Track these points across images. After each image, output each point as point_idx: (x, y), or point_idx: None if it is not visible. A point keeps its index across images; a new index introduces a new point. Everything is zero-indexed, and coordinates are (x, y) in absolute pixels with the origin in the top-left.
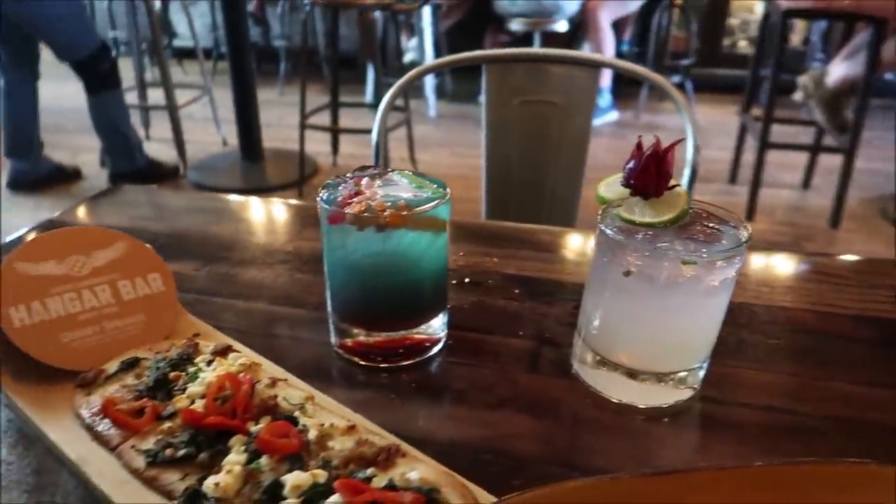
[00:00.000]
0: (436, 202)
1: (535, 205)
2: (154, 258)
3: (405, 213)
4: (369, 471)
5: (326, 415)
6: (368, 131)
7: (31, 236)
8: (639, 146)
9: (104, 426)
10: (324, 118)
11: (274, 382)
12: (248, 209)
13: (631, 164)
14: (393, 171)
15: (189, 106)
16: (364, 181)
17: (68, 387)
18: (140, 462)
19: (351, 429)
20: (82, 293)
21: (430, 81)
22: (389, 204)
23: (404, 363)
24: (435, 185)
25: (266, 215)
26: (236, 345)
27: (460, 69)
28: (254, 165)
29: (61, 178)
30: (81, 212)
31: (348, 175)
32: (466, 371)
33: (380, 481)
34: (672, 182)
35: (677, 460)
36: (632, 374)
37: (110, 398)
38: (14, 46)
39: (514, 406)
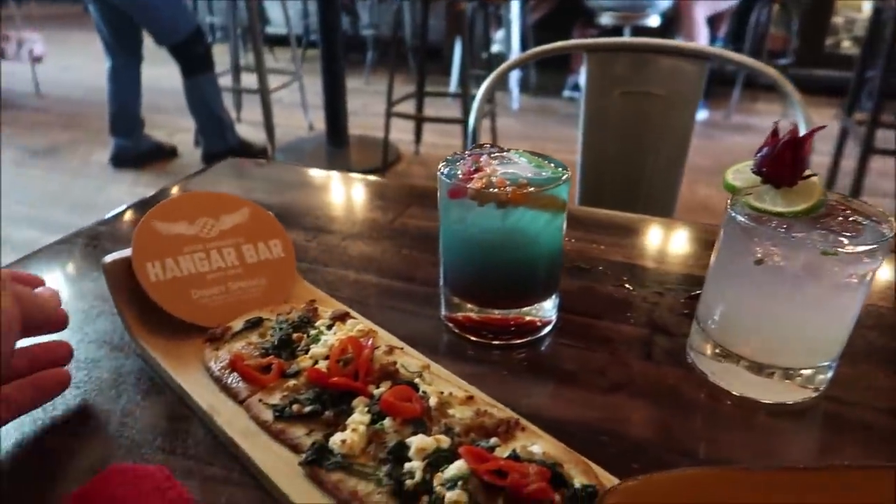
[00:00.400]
0: (556, 182)
1: (630, 198)
2: (275, 225)
3: (527, 190)
4: (492, 440)
5: (443, 384)
6: (452, 120)
7: (128, 213)
8: (774, 132)
9: (233, 379)
10: (408, 107)
11: (391, 350)
12: (353, 186)
13: (764, 151)
14: (510, 150)
15: (279, 91)
16: (483, 158)
17: (197, 342)
18: (268, 415)
19: (469, 399)
20: (210, 254)
21: (514, 74)
22: (510, 181)
23: (515, 342)
24: (554, 166)
25: (371, 192)
26: (352, 312)
27: (546, 63)
28: (339, 151)
29: (159, 155)
30: (197, 182)
31: (467, 152)
32: (577, 353)
33: (502, 452)
34: (807, 172)
35: (801, 459)
36: (755, 367)
37: (238, 354)
38: (120, 32)
39: (629, 391)
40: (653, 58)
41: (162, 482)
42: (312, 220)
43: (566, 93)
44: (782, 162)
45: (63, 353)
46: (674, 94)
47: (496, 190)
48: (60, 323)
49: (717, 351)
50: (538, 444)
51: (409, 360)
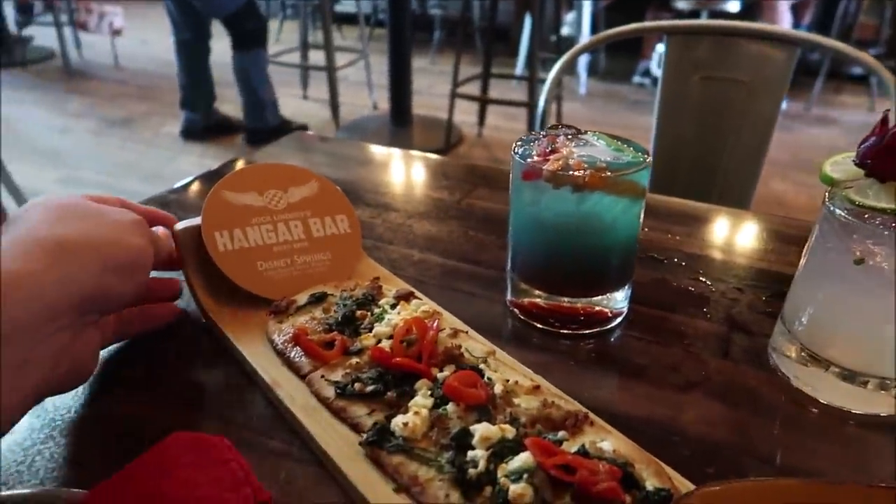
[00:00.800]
0: (637, 167)
1: (704, 189)
2: (343, 200)
3: (605, 175)
4: (559, 434)
5: (509, 371)
6: (518, 103)
7: (196, 183)
8: (884, 121)
9: (295, 354)
10: (473, 88)
11: (456, 333)
12: (419, 164)
13: (871, 142)
14: (588, 132)
15: (345, 69)
16: (559, 139)
17: (261, 313)
18: (329, 392)
19: (536, 389)
20: (277, 226)
21: (583, 57)
22: (587, 164)
23: (583, 332)
24: (634, 150)
25: (437, 172)
26: (417, 293)
27: (616, 47)
28: (402, 130)
29: (228, 129)
30: (262, 155)
31: (542, 133)
32: (649, 347)
33: (570, 446)
34: None
35: (894, 476)
36: (846, 375)
37: (302, 328)
38: (184, 7)
39: (704, 390)
40: (736, 42)
41: (224, 453)
42: (377, 197)
43: (636, 79)
44: (891, 154)
45: (174, 288)
46: (758, 81)
47: (573, 173)
48: (176, 262)
49: (804, 354)
50: (608, 441)
51: (474, 344)
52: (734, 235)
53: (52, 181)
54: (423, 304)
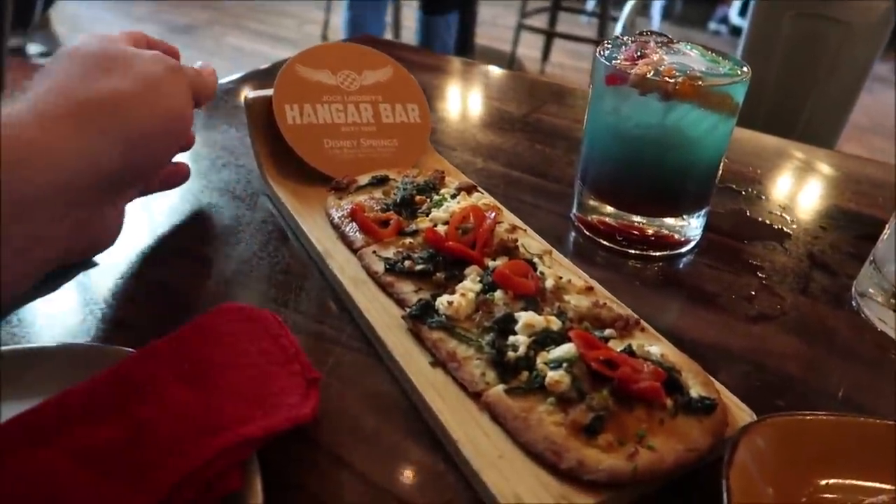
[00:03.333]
0: (733, 79)
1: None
2: (416, 89)
3: (698, 83)
4: (607, 331)
5: (563, 271)
6: (586, 40)
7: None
8: None
9: (350, 228)
10: (540, 22)
11: (514, 229)
12: (486, 75)
13: None
14: (682, 42)
15: None
16: (650, 45)
17: (322, 189)
18: (379, 266)
19: (589, 290)
20: (347, 107)
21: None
22: (679, 72)
23: (653, 253)
24: (732, 63)
25: (504, 85)
26: (480, 188)
27: None
28: None
29: None
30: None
31: (631, 38)
32: (722, 276)
33: (616, 346)
34: None
35: None
36: None
37: (360, 204)
38: None
39: (779, 323)
40: None
41: (273, 327)
42: (440, 103)
43: (712, 25)
44: None
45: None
46: (860, 23)
47: (663, 78)
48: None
49: (894, 298)
50: (657, 346)
51: (531, 241)
52: (819, 173)
53: None
54: (484, 198)
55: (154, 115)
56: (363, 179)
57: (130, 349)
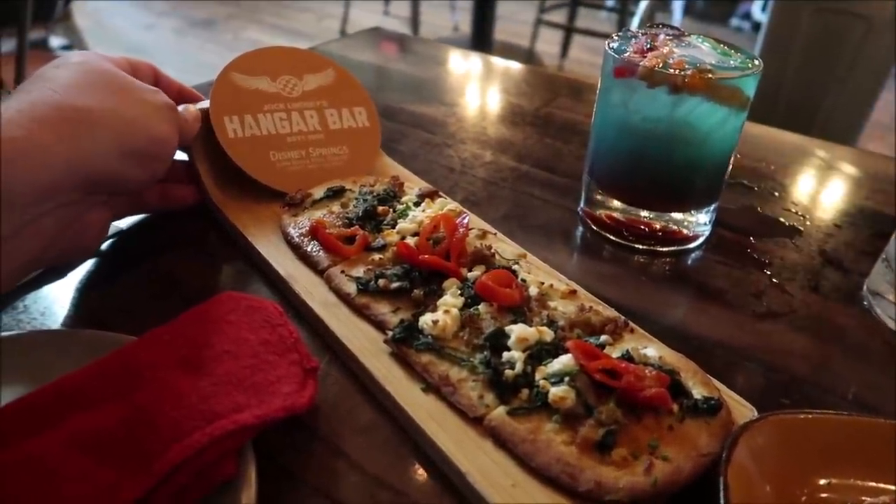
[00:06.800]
0: (744, 72)
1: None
2: (361, 92)
3: (708, 76)
4: (602, 338)
5: (542, 275)
6: (604, 35)
7: None
8: None
9: (313, 248)
10: (559, 17)
11: (484, 234)
12: (499, 69)
13: None
14: (692, 34)
15: None
16: (660, 38)
17: (274, 207)
18: (351, 288)
19: (572, 293)
20: (292, 115)
21: None
22: (689, 64)
23: (660, 249)
24: (744, 56)
25: (517, 78)
26: (441, 192)
27: None
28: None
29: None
30: (334, 47)
31: (641, 31)
32: (730, 272)
33: (612, 352)
34: None
35: None
36: None
37: (319, 221)
38: None
39: (788, 321)
40: None
41: (274, 317)
42: (452, 97)
43: (734, 21)
44: None
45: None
46: (881, 18)
47: (672, 71)
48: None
49: None
50: (652, 348)
51: (505, 246)
52: (835, 170)
53: None
54: (448, 203)
55: (147, 136)
56: (318, 193)
57: (131, 336)
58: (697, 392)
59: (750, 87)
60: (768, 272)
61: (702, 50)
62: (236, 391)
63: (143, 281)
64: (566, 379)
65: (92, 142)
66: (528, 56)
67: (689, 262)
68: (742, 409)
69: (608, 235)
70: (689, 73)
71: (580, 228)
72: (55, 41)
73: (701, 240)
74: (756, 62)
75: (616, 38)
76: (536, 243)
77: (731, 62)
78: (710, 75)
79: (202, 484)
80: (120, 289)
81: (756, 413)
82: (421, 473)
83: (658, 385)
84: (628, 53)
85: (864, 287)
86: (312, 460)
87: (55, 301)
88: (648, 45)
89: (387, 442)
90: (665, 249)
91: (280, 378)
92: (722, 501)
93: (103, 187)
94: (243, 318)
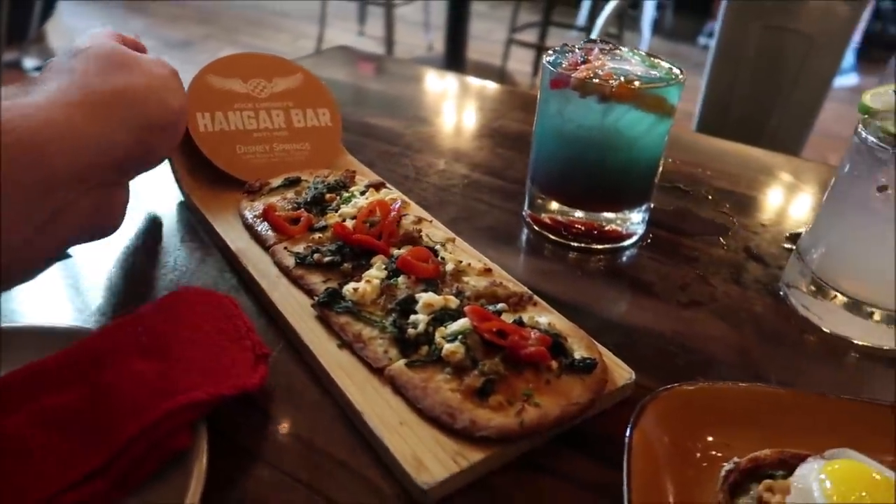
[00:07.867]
0: (667, 82)
1: (751, 141)
2: (326, 95)
3: (634, 86)
4: (499, 306)
5: (465, 256)
6: None
7: None
8: None
9: (263, 228)
10: (531, 37)
11: (420, 220)
12: (460, 85)
13: None
14: (625, 48)
15: (404, 6)
16: (594, 52)
17: (236, 193)
18: (290, 261)
19: (487, 271)
20: (259, 114)
21: (649, 13)
22: (617, 76)
23: (595, 247)
24: (669, 67)
25: (477, 93)
26: (388, 184)
27: (684, 5)
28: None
29: None
30: (308, 62)
31: (577, 46)
32: (659, 267)
33: (508, 318)
34: None
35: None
36: (853, 305)
37: (271, 205)
38: None
39: (710, 309)
40: None
41: (229, 308)
42: (413, 111)
43: (702, 40)
44: None
45: None
46: (822, 35)
47: (601, 81)
48: None
49: (814, 285)
50: (546, 317)
51: (436, 231)
52: (768, 176)
53: None
54: (391, 193)
55: (161, 108)
56: (276, 182)
57: (90, 328)
58: (578, 353)
59: (674, 96)
60: (695, 267)
61: (631, 63)
62: (192, 373)
63: (117, 282)
64: (459, 337)
65: (119, 121)
66: (500, 75)
67: (624, 258)
68: (621, 371)
69: (549, 235)
70: (616, 83)
71: (524, 230)
72: (29, 62)
73: (635, 238)
74: (679, 73)
75: (553, 52)
76: (484, 244)
77: (656, 73)
78: (635, 85)
79: (158, 454)
80: (95, 289)
81: (633, 376)
82: (360, 447)
83: (540, 345)
84: (563, 66)
85: (781, 279)
86: (264, 437)
87: (29, 301)
88: (583, 59)
89: (333, 420)
90: (601, 247)
91: (234, 362)
92: (626, 444)
93: (134, 164)
94: (200, 309)
